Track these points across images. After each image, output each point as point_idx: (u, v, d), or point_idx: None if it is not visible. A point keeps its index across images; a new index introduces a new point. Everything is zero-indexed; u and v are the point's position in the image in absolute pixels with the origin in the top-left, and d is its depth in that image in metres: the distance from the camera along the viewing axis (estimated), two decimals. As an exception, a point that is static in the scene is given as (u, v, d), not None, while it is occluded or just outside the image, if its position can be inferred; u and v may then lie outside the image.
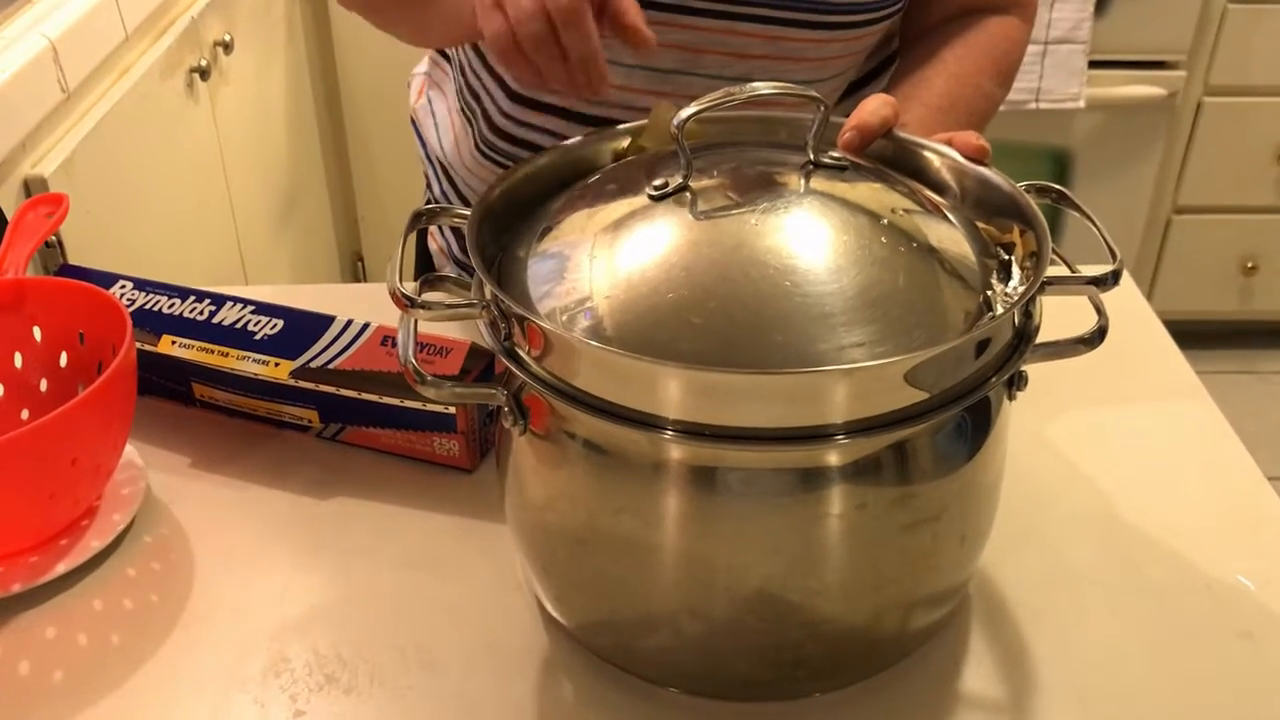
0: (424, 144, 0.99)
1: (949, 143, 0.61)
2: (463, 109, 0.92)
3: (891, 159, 0.62)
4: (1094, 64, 1.89)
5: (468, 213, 0.57)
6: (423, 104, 0.99)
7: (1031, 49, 1.84)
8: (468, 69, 0.89)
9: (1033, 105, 1.89)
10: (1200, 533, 0.67)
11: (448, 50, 0.95)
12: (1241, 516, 0.68)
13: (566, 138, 0.66)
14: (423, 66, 1.02)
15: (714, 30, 0.78)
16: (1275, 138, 1.99)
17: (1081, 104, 1.89)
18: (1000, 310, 0.52)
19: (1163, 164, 2.01)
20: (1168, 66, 1.92)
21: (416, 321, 0.53)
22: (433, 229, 1.02)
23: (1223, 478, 0.71)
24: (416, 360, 0.53)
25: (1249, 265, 2.10)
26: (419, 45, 0.86)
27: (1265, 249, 2.09)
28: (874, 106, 0.62)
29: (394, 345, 0.72)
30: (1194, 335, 0.85)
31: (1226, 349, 2.20)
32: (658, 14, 0.76)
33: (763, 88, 0.55)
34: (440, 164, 0.96)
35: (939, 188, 0.61)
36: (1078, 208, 0.56)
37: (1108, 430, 0.75)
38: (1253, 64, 1.93)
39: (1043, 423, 0.73)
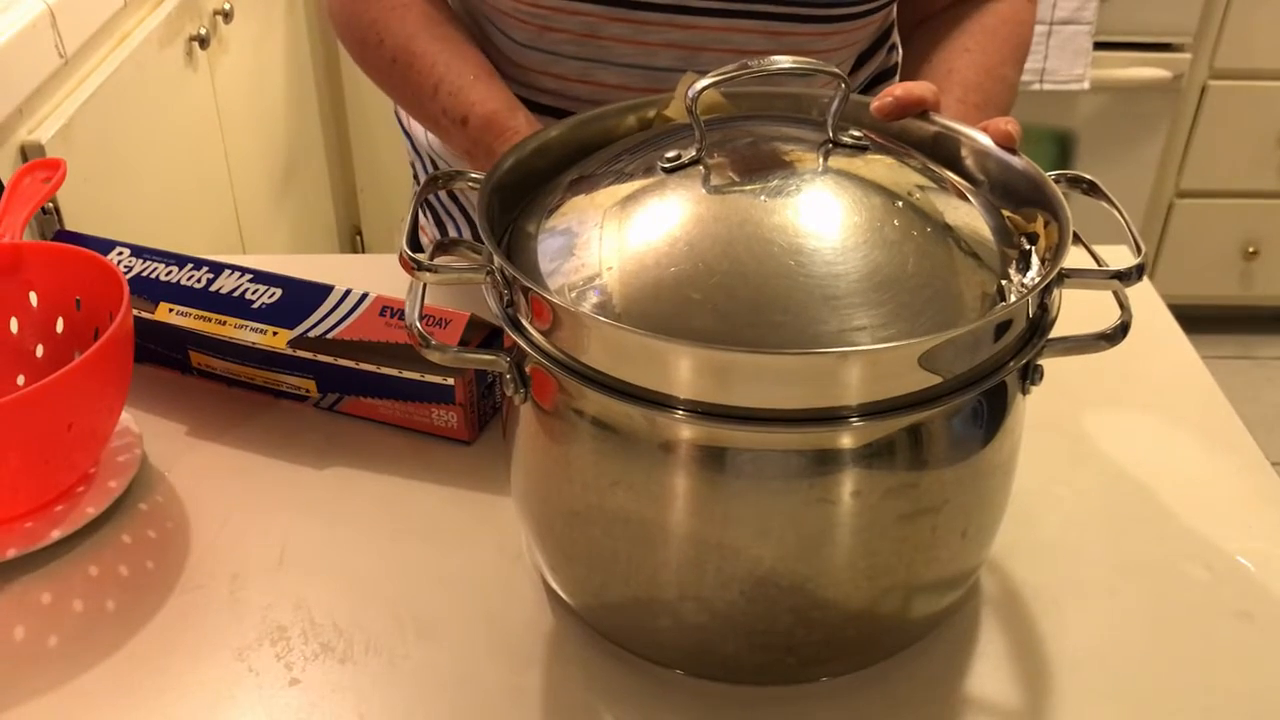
0: (410, 137, 0.98)
1: (984, 130, 0.60)
2: None
3: (923, 144, 0.61)
4: (1099, 45, 1.88)
5: (482, 176, 0.56)
6: None
7: (1036, 29, 1.84)
8: None
9: (1037, 86, 1.88)
10: (1201, 514, 0.67)
11: None
12: (1242, 498, 0.68)
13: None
14: None
15: (713, 29, 0.77)
16: (1279, 122, 1.98)
17: (1086, 85, 1.88)
18: (1013, 299, 0.51)
19: (1166, 147, 2.00)
20: (1173, 49, 1.92)
21: (425, 286, 0.53)
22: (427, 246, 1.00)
23: (1224, 460, 0.71)
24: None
25: (1250, 250, 2.10)
26: None
27: (1267, 234, 2.09)
28: (913, 85, 0.61)
29: (393, 316, 0.71)
30: (1194, 319, 0.84)
31: (1226, 334, 2.20)
32: (656, 14, 0.76)
33: (782, 60, 0.54)
34: (430, 158, 0.95)
35: (969, 174, 0.60)
36: (1109, 200, 0.55)
37: (1111, 411, 0.75)
38: (1257, 48, 1.92)
39: (1047, 403, 0.73)
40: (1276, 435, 1.99)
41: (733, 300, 0.49)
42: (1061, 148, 1.98)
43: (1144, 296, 0.85)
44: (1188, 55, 1.91)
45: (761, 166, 0.54)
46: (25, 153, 1.03)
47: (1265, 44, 1.92)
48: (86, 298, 0.70)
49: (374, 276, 0.75)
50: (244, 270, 0.75)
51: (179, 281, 0.75)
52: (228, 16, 1.47)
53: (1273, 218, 2.08)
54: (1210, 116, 1.98)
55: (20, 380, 0.72)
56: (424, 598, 0.62)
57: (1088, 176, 0.57)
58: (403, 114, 0.98)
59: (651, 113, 0.63)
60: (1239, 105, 1.97)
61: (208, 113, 1.45)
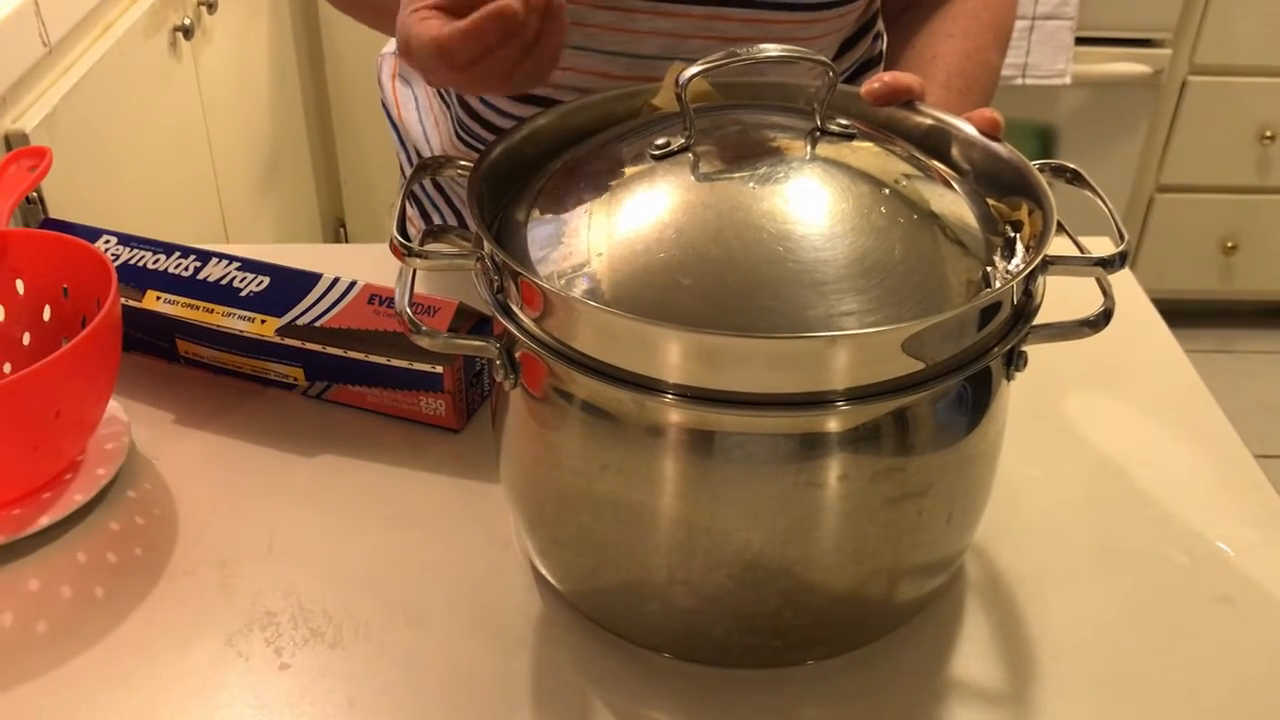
0: (397, 128, 0.98)
1: (968, 119, 0.61)
2: (439, 92, 0.91)
3: (910, 133, 0.61)
4: (1080, 40, 1.89)
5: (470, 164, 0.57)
6: (405, 97, 0.97)
7: (1019, 24, 1.85)
8: None
9: (1019, 81, 1.89)
10: (1182, 501, 0.67)
11: None
12: (1222, 486, 0.69)
13: None
14: (390, 47, 1.00)
15: (699, 17, 0.77)
16: (1258, 117, 2.00)
17: (1068, 80, 1.89)
18: (998, 285, 0.51)
19: (1146, 142, 2.02)
20: (1153, 44, 1.93)
21: (415, 272, 0.53)
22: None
23: (1205, 448, 0.72)
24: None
25: (1229, 245, 2.11)
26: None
27: (1246, 229, 2.11)
28: (900, 74, 0.62)
29: (381, 304, 0.71)
30: (1174, 314, 0.85)
31: (1206, 328, 2.21)
32: (642, 2, 0.76)
33: (770, 49, 0.55)
34: (418, 153, 0.95)
35: (954, 162, 0.60)
36: (1092, 188, 0.56)
37: (1094, 399, 0.75)
38: (1238, 43, 1.94)
39: (1031, 390, 0.73)
40: (1255, 427, 2.00)
41: (721, 285, 0.49)
42: (1043, 142, 1.99)
43: (1126, 287, 0.86)
44: (1168, 51, 1.93)
45: (750, 154, 0.55)
46: (9, 142, 1.03)
47: (1245, 40, 1.93)
48: (74, 286, 0.70)
49: (360, 266, 0.75)
50: (231, 258, 0.75)
51: (166, 269, 0.75)
52: (211, 7, 1.46)
53: (1252, 213, 2.09)
54: (1190, 112, 1.99)
55: (7, 368, 0.72)
56: (413, 584, 0.62)
57: (1072, 166, 0.58)
58: (390, 105, 0.98)
59: (640, 102, 0.64)
60: (1219, 101, 1.99)
61: (191, 103, 1.44)
